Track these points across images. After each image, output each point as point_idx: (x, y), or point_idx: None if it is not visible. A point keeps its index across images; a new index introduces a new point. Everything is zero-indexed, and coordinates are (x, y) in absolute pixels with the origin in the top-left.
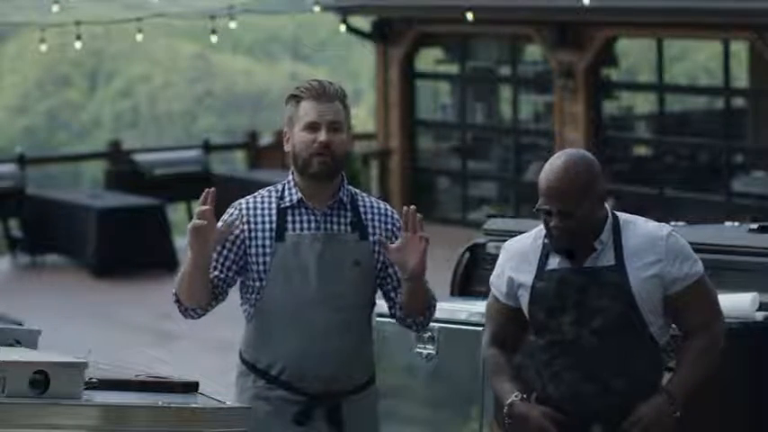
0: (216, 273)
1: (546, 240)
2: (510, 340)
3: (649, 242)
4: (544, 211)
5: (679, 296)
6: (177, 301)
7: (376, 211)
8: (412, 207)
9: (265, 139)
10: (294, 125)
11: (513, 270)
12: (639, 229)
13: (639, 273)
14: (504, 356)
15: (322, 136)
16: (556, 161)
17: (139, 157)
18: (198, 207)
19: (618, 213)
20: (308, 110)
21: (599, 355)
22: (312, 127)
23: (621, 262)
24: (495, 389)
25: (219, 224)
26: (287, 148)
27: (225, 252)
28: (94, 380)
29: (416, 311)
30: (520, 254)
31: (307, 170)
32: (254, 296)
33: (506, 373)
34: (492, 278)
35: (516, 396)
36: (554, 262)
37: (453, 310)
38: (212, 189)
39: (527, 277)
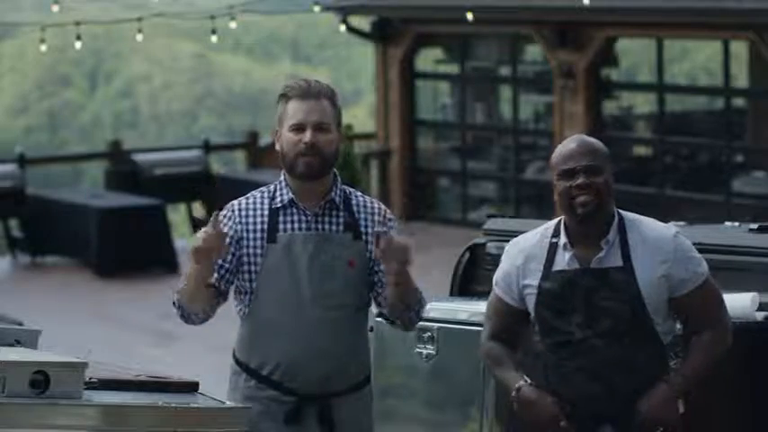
0: (216, 275)
1: (553, 239)
2: (510, 338)
3: (657, 243)
4: (567, 174)
5: (686, 298)
6: (180, 308)
7: (369, 210)
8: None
9: (265, 139)
10: (282, 125)
11: (519, 269)
12: (646, 229)
13: (647, 274)
14: (504, 349)
15: (307, 137)
16: (571, 138)
17: (139, 157)
18: (205, 230)
19: (623, 213)
20: (294, 110)
21: (608, 355)
22: (298, 127)
23: (629, 263)
24: (499, 377)
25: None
26: (277, 147)
27: (223, 254)
28: (94, 380)
29: (401, 311)
30: (526, 253)
31: (294, 170)
32: (247, 297)
33: (510, 363)
34: (496, 276)
35: (525, 381)
36: (561, 262)
37: (453, 310)
38: (219, 213)
39: (534, 277)
